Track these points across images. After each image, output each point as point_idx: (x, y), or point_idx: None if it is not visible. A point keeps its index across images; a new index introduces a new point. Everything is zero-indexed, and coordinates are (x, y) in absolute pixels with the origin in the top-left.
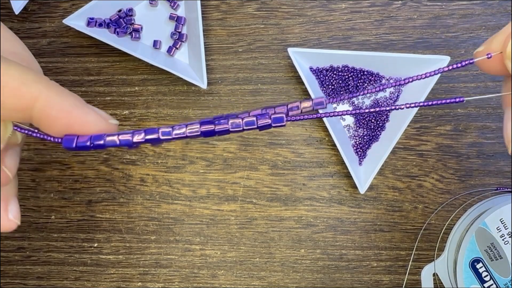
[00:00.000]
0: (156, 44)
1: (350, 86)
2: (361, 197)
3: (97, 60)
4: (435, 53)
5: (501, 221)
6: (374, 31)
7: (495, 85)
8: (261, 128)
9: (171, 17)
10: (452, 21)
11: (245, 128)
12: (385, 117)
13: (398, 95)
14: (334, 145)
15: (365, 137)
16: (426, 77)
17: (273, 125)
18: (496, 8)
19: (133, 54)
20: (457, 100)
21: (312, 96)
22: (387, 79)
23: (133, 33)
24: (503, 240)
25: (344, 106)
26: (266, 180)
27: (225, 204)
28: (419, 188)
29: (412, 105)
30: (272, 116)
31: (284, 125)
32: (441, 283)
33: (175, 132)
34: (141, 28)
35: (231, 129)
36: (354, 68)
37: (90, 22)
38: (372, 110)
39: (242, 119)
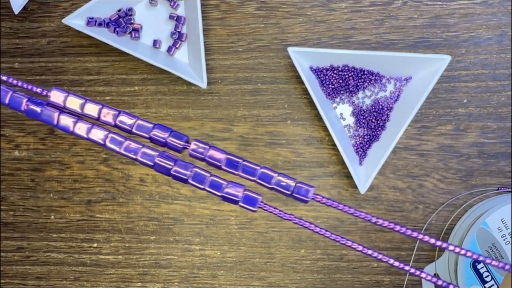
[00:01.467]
0: (155, 43)
1: (350, 86)
2: (361, 197)
3: (97, 59)
4: (436, 53)
5: (502, 221)
6: (375, 31)
7: (495, 85)
8: (225, 199)
9: (171, 17)
10: (452, 20)
11: (207, 188)
12: (385, 116)
13: (398, 95)
14: (335, 145)
15: (366, 136)
16: None
17: (241, 204)
18: (497, 8)
19: (133, 53)
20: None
21: (313, 96)
22: (388, 79)
23: (133, 33)
24: (504, 240)
25: (344, 106)
26: None
27: (225, 204)
28: (420, 188)
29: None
30: (245, 194)
31: (254, 211)
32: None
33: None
34: (141, 27)
35: (190, 181)
36: (354, 67)
37: (90, 21)
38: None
39: (208, 176)
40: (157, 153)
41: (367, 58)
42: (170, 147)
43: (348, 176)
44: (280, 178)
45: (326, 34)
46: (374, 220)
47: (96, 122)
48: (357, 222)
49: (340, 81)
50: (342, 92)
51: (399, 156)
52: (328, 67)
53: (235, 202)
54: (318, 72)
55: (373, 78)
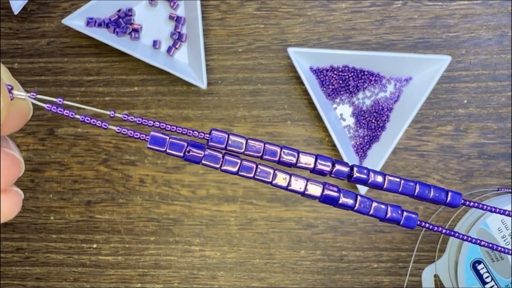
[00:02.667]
0: (155, 44)
1: (350, 86)
2: None
3: (97, 60)
4: (436, 53)
5: (502, 222)
6: (375, 31)
7: (496, 85)
8: (387, 220)
9: (170, 17)
10: (452, 21)
11: (370, 214)
12: (385, 117)
13: (398, 95)
14: (335, 145)
15: (366, 137)
16: None
17: (401, 224)
18: (497, 8)
19: (133, 54)
20: None
21: (313, 97)
22: (388, 79)
23: (133, 33)
24: (504, 240)
25: (344, 107)
26: None
27: (224, 205)
28: None
29: None
30: (405, 214)
31: (413, 228)
32: (442, 284)
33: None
34: (141, 28)
35: (357, 208)
36: (354, 68)
37: (90, 22)
38: None
39: (371, 202)
40: (322, 186)
41: (367, 59)
42: (335, 175)
43: None
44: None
45: (326, 34)
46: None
47: (258, 160)
48: (357, 223)
49: (340, 82)
50: (342, 92)
51: (399, 156)
52: (328, 68)
53: (397, 223)
54: (318, 72)
55: (373, 78)
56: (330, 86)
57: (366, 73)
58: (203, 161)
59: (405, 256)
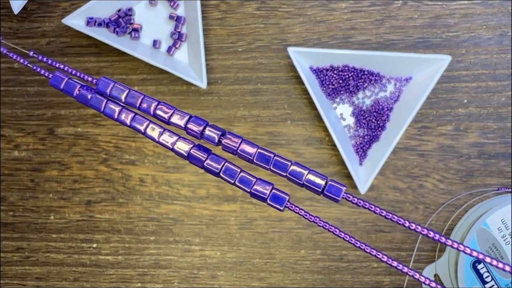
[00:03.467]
0: (155, 43)
1: (350, 86)
2: (361, 197)
3: (97, 59)
4: (436, 53)
5: (503, 222)
6: (375, 31)
7: (496, 85)
8: (253, 195)
9: (170, 17)
10: (452, 20)
11: (237, 183)
12: (385, 117)
13: (398, 95)
14: (335, 145)
15: (366, 137)
16: None
17: (269, 202)
18: (497, 8)
19: (133, 53)
20: None
21: (313, 96)
22: (388, 79)
23: (133, 33)
24: (504, 240)
25: (344, 106)
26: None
27: (224, 205)
28: (420, 189)
29: None
30: (273, 192)
31: (281, 210)
32: (442, 284)
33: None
34: (141, 27)
35: (222, 174)
36: (354, 67)
37: (90, 21)
38: None
39: (240, 171)
40: (192, 145)
41: (367, 58)
42: (206, 138)
43: (348, 176)
44: (311, 176)
45: (326, 34)
46: (407, 224)
47: (138, 111)
48: (357, 222)
49: (340, 81)
50: (342, 92)
51: (399, 156)
52: (328, 67)
53: (263, 200)
54: (318, 72)
55: (373, 78)
56: (330, 86)
57: (366, 72)
58: (90, 103)
59: (405, 255)
